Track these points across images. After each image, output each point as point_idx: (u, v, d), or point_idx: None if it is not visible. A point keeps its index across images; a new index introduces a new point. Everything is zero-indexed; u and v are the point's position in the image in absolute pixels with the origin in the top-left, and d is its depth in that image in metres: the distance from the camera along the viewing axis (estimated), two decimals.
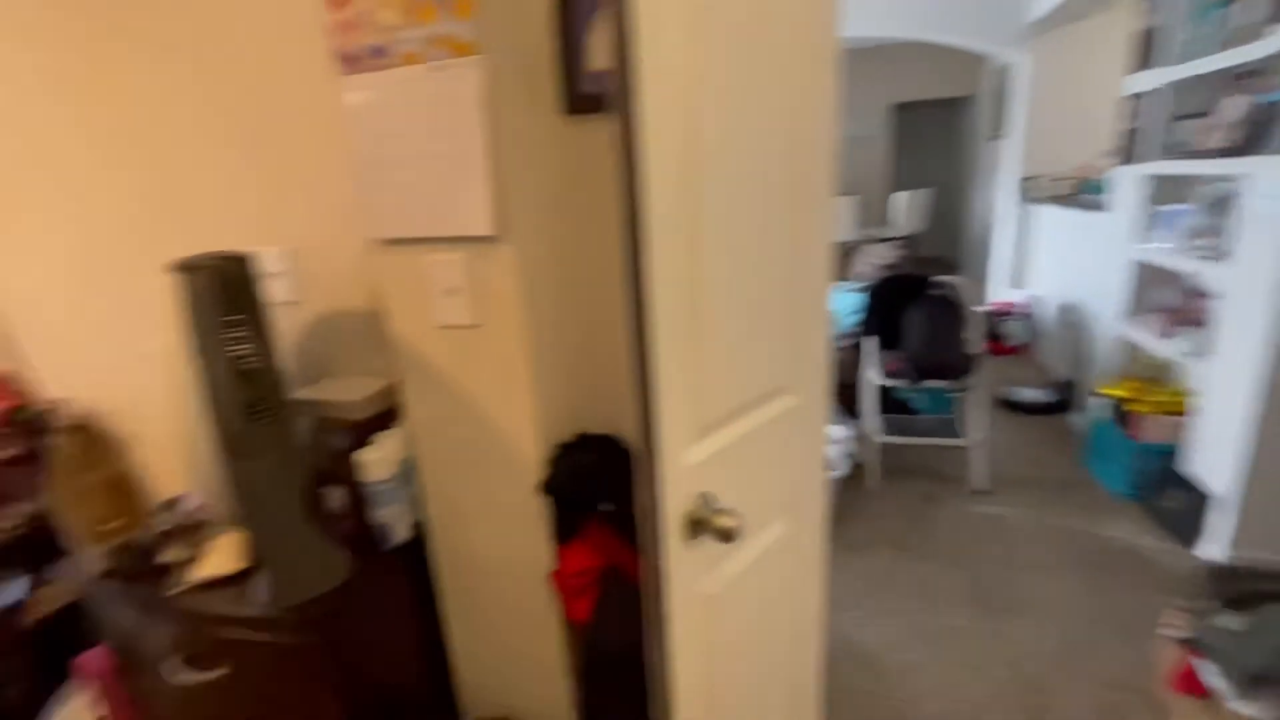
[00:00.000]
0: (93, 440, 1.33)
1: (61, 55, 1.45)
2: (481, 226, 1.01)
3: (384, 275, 1.15)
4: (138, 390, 1.72)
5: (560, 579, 1.18)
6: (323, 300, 1.40)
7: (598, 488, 1.15)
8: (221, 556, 1.18)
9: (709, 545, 0.82)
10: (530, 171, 1.08)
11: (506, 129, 1.00)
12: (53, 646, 1.71)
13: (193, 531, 1.30)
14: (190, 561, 1.21)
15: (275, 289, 1.30)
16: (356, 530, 1.21)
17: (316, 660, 1.11)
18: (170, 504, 1.43)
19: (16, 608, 1.62)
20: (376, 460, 1.17)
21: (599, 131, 1.07)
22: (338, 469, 1.20)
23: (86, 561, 1.23)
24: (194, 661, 1.20)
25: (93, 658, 1.42)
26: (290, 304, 1.37)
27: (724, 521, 0.78)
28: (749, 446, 0.91)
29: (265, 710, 1.21)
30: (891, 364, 2.75)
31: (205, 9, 1.30)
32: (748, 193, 0.83)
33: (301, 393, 1.26)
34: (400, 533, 1.23)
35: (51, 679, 1.71)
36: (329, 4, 1.01)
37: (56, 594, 1.70)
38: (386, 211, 1.08)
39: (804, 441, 1.04)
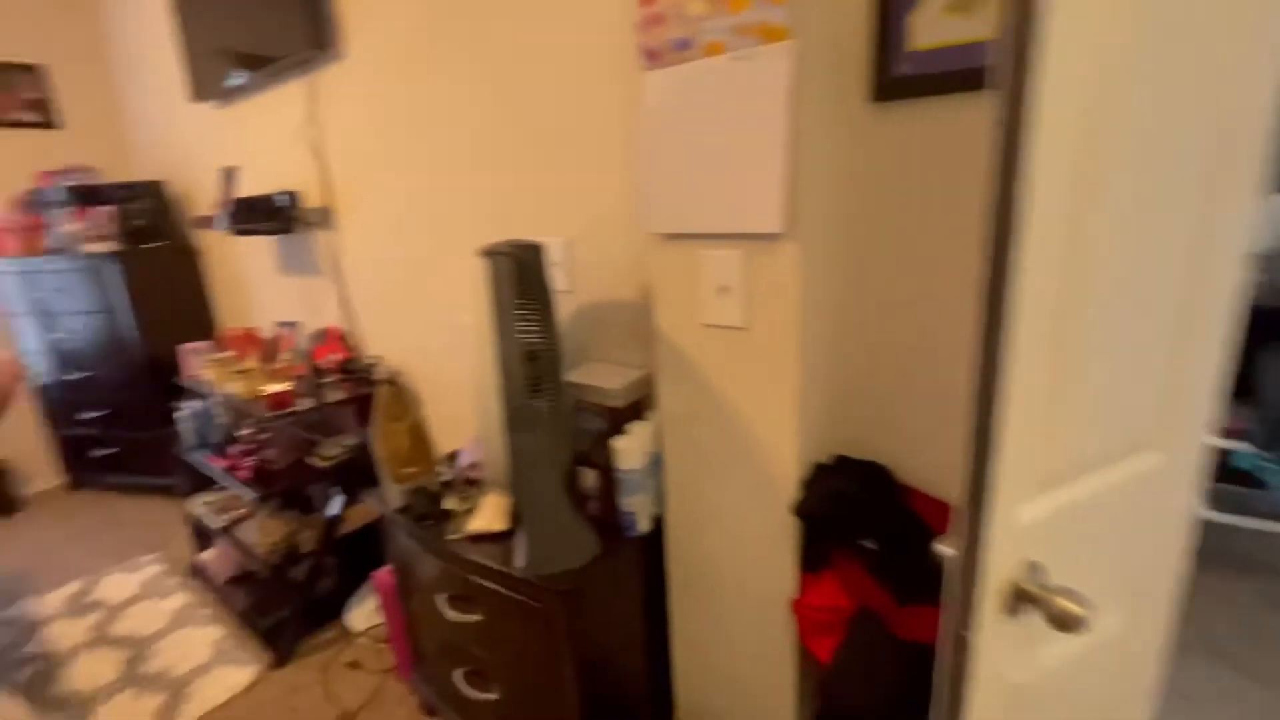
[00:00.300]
0: (400, 394, 1.58)
1: (406, 71, 1.74)
2: (769, 223, 0.95)
3: (655, 269, 1.15)
4: (435, 356, 2.02)
5: (802, 610, 1.09)
6: (591, 290, 1.48)
7: (859, 520, 1.03)
8: (490, 514, 1.30)
9: (1030, 624, 0.66)
10: (827, 165, 0.99)
11: (809, 118, 0.92)
12: (356, 555, 2.09)
13: (468, 486, 1.46)
14: (466, 513, 1.36)
15: (555, 277, 1.39)
16: (604, 514, 1.25)
17: (559, 628, 1.17)
18: (451, 457, 1.64)
19: (335, 519, 2.01)
20: (629, 448, 1.19)
21: (911, 120, 0.94)
22: (593, 452, 1.25)
23: (389, 496, 1.46)
24: (457, 601, 1.35)
25: (383, 575, 1.69)
26: (564, 292, 1.47)
27: (1065, 605, 0.61)
28: (1094, 511, 0.71)
29: (509, 660, 1.32)
30: (1235, 421, 2.13)
31: (515, 30, 1.44)
32: (1151, 193, 0.64)
33: (567, 376, 1.34)
34: (642, 524, 1.24)
35: (353, 580, 2.10)
36: (640, 0, 1.03)
37: (363, 513, 2.08)
38: (667, 206, 1.08)
39: (1162, 513, 0.80)
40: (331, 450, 2.05)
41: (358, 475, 2.04)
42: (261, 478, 1.97)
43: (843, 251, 1.04)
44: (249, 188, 2.36)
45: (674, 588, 1.31)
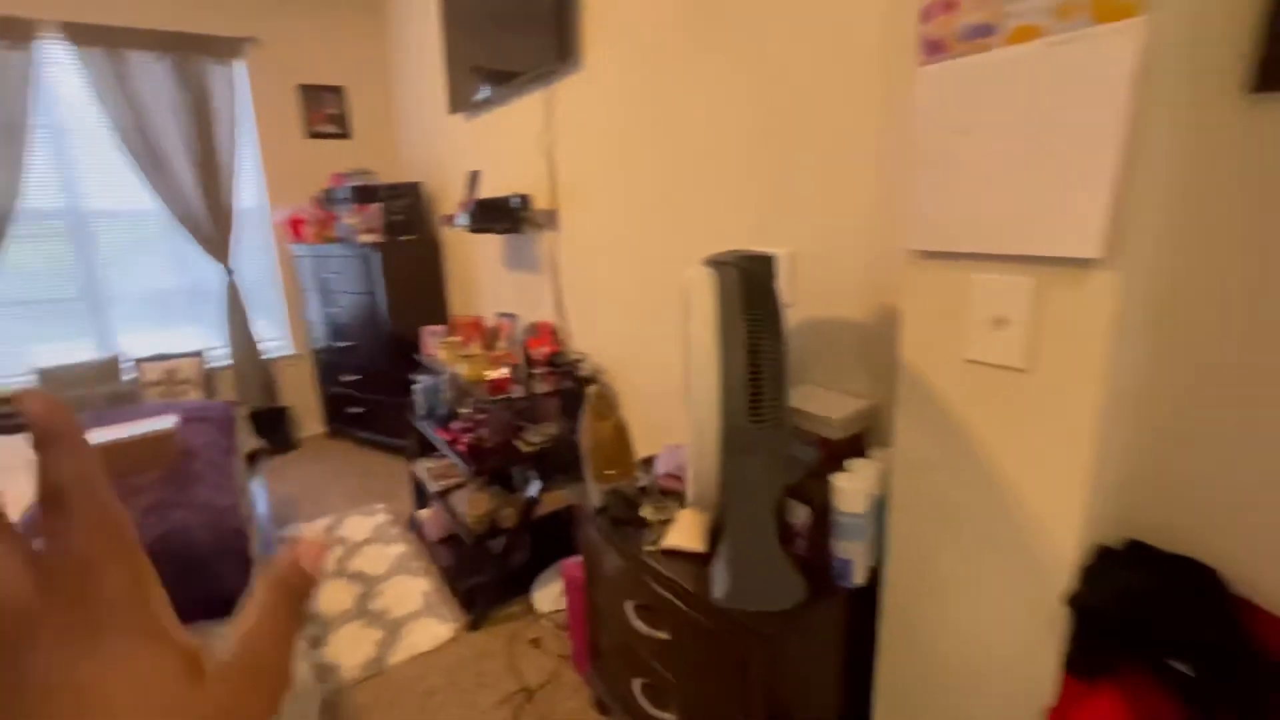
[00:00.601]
0: (606, 393, 1.61)
1: (638, 81, 1.76)
2: (1081, 245, 0.77)
3: (907, 290, 1.01)
4: (639, 359, 2.05)
5: None
6: (813, 307, 1.37)
7: (1167, 631, 0.79)
8: (688, 531, 1.26)
9: None
10: (1170, 174, 0.78)
11: (1155, 114, 0.73)
12: (547, 537, 2.21)
13: (663, 496, 1.44)
14: (661, 524, 1.33)
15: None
16: (811, 555, 1.14)
17: (754, 672, 1.08)
18: (646, 462, 1.64)
19: (532, 501, 2.14)
20: (851, 489, 1.06)
21: None
22: (806, 486, 1.15)
23: (590, 492, 1.49)
24: (644, 612, 1.33)
25: (571, 565, 1.75)
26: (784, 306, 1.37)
27: None
28: None
29: (693, 688, 1.26)
30: None
31: (756, 36, 1.37)
32: None
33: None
34: (858, 575, 1.11)
35: (543, 560, 2.23)
36: None
37: (558, 499, 2.19)
38: (934, 219, 0.93)
39: None
40: (535, 437, 2.18)
41: (555, 463, 2.15)
42: (475, 453, 2.16)
43: (1176, 284, 0.81)
44: (487, 190, 2.62)
45: (884, 657, 1.15)
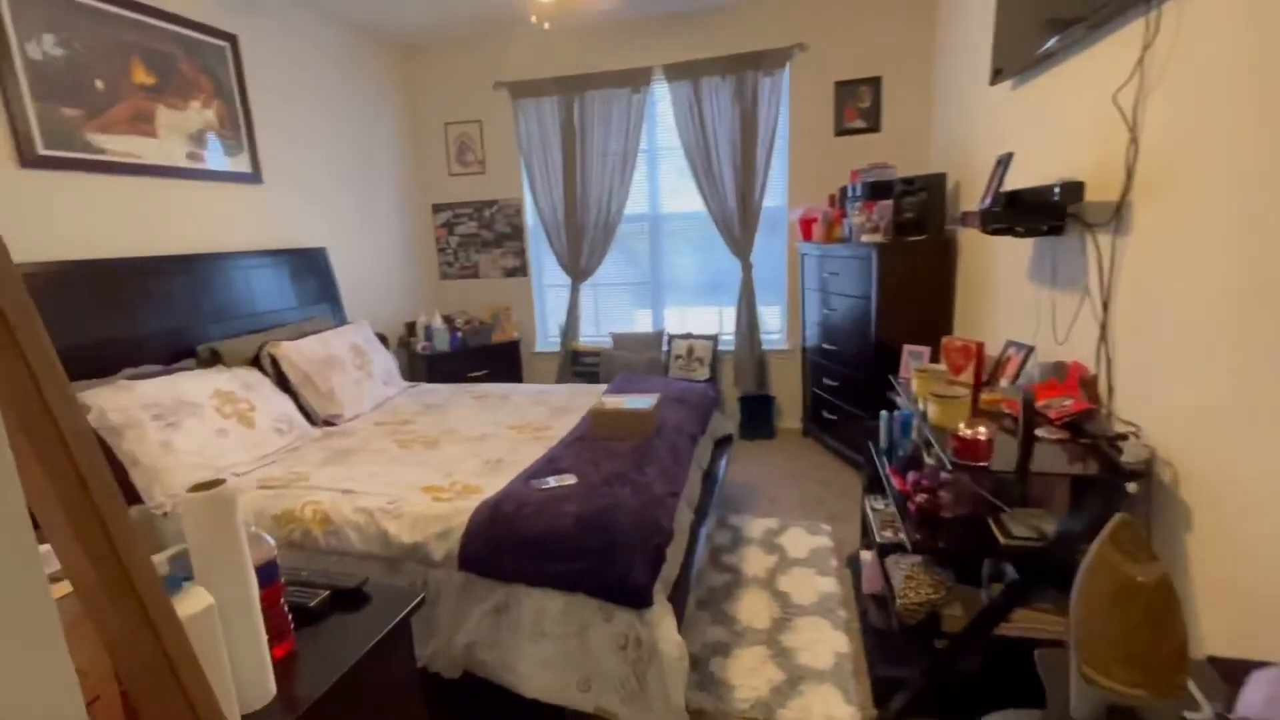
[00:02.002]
0: (1152, 513, 0.92)
1: None
2: None
3: None
4: (1254, 465, 1.15)
5: None
6: None
7: None
8: None
9: None
10: None
11: None
12: (1011, 663, 1.56)
13: None
14: None
15: None
16: None
17: None
18: (1223, 679, 0.87)
19: (995, 613, 1.52)
20: None
21: None
22: None
23: (1073, 691, 0.87)
24: None
25: None
26: None
27: None
28: None
29: None
30: None
31: None
32: None
33: None
34: None
35: (998, 695, 1.59)
36: None
37: (1036, 622, 1.51)
38: None
39: None
40: (1020, 529, 1.54)
41: (1042, 572, 1.47)
42: (924, 520, 1.68)
43: None
44: (1019, 178, 1.97)
45: None
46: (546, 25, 3.30)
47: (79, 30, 2.20)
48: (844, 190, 3.38)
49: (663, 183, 4.06)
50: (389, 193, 4.00)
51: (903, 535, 1.93)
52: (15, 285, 0.44)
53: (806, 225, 3.52)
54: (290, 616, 0.87)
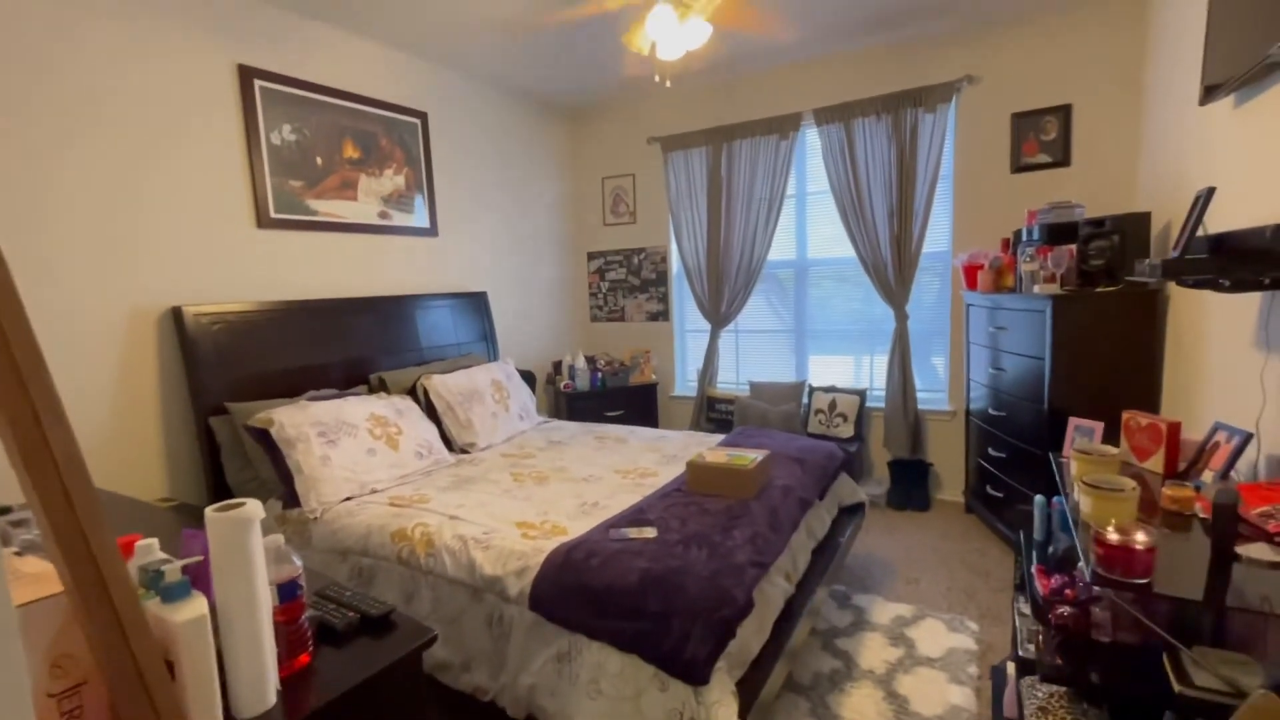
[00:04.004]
0: None
1: None
2: None
3: None
4: None
5: None
6: None
7: None
8: None
9: None
10: None
11: None
12: None
13: None
14: None
15: None
16: None
17: None
18: None
19: None
20: None
21: None
22: None
23: None
24: None
25: None
26: None
27: None
28: None
29: None
30: None
31: None
32: None
33: None
34: None
35: None
36: None
37: None
38: None
39: None
40: (1205, 678, 1.16)
41: None
42: (1064, 639, 1.34)
43: None
44: (1227, 218, 1.56)
45: None
46: (668, 83, 3.44)
47: (308, 119, 2.77)
48: (1018, 234, 2.95)
49: (811, 228, 3.91)
50: (548, 241, 4.36)
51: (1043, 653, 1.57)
52: (22, 325, 0.55)
53: (971, 272, 3.13)
54: (312, 633, 0.94)
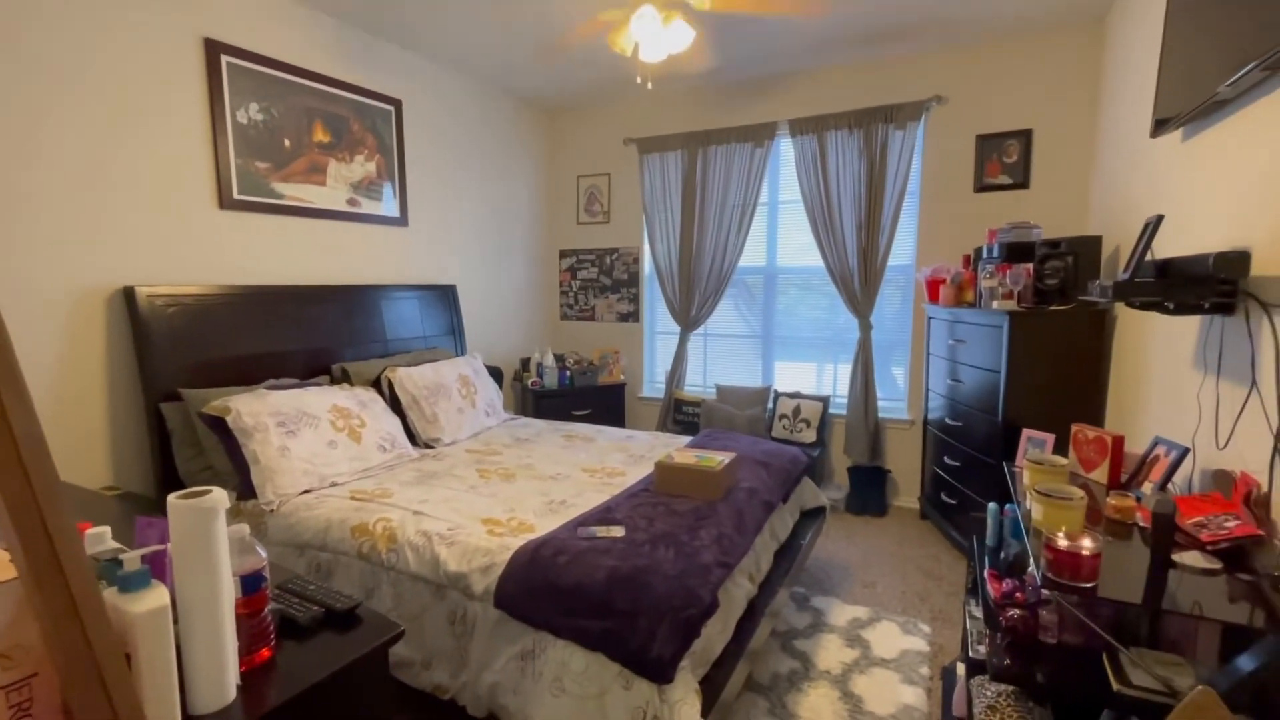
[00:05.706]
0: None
1: None
2: None
3: None
4: None
5: None
6: None
7: None
8: None
9: None
10: None
11: None
12: None
13: None
14: None
15: None
16: None
17: None
18: None
19: None
20: None
21: None
22: None
23: None
24: None
25: None
26: None
27: None
28: None
29: None
30: None
31: None
32: None
33: None
34: None
35: None
36: None
37: None
38: None
39: None
40: (1141, 677, 1.23)
41: None
42: (1018, 642, 1.40)
43: None
44: (1184, 244, 1.65)
45: None
46: (650, 85, 3.46)
47: (277, 99, 2.68)
48: (979, 251, 3.06)
49: (781, 236, 3.98)
50: (520, 237, 4.33)
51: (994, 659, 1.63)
52: None
53: (934, 286, 3.23)
54: (274, 627, 0.92)
